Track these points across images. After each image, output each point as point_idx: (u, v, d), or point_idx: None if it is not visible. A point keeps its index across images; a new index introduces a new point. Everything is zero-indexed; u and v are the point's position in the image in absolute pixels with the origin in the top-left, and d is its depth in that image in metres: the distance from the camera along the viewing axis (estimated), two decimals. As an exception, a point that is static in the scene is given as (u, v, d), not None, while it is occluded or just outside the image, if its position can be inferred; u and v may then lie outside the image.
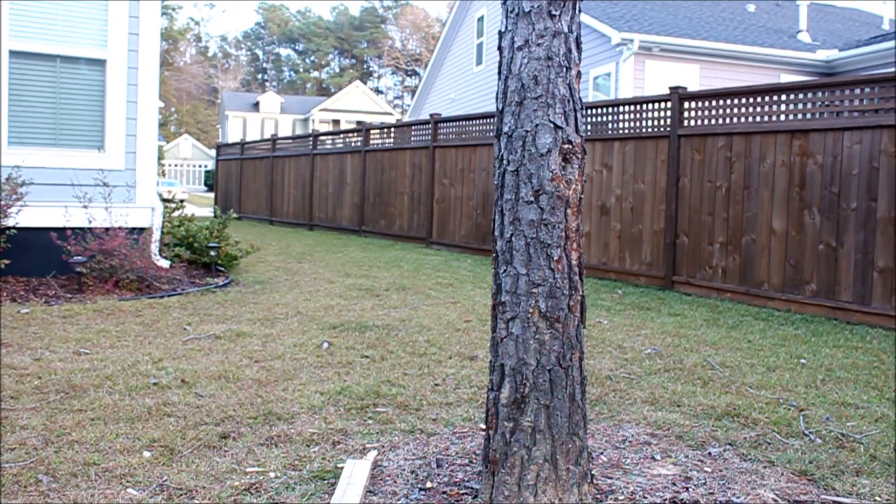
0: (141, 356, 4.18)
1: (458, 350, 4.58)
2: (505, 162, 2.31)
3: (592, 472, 2.52)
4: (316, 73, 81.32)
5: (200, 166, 54.02)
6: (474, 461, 2.72)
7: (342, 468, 2.61)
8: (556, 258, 2.25)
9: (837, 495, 2.54)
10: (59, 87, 6.95)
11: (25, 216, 6.25)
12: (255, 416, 3.22)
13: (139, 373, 3.84)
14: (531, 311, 2.25)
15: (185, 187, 40.93)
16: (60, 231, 6.47)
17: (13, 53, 6.70)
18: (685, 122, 7.27)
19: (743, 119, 6.76)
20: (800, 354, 4.65)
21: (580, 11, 2.34)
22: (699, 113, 7.13)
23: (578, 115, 2.29)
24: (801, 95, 6.37)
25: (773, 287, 6.38)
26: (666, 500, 2.45)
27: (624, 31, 13.36)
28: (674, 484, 2.59)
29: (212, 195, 30.77)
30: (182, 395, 3.49)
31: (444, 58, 22.39)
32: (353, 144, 14.17)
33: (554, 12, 2.25)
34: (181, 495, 2.43)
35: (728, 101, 6.88)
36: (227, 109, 56.32)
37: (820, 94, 6.23)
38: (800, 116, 6.33)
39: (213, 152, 46.63)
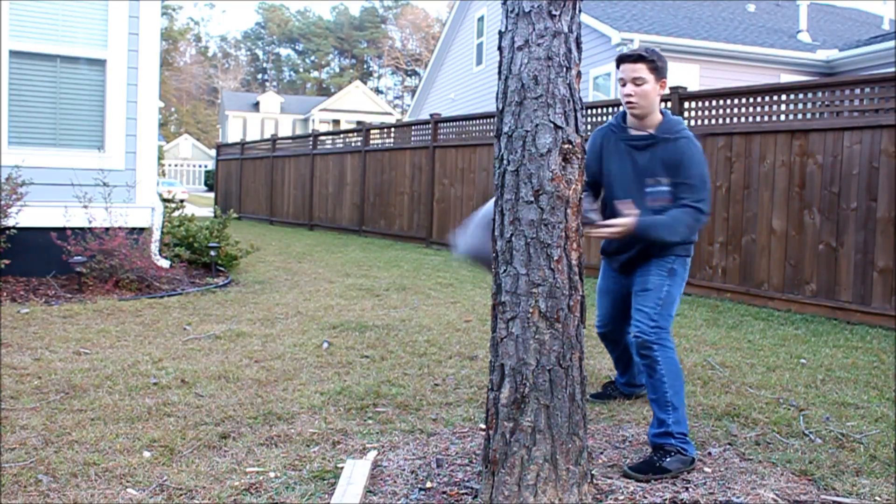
0: (141, 356, 4.19)
1: (458, 350, 4.59)
2: (505, 162, 2.31)
3: (592, 472, 2.52)
4: (316, 73, 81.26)
5: (200, 166, 53.97)
6: (474, 461, 2.72)
7: (342, 468, 2.61)
8: (556, 258, 2.25)
9: (837, 495, 2.54)
10: (59, 87, 6.95)
11: (25, 216, 6.25)
12: (255, 416, 3.22)
13: (139, 373, 3.84)
14: (531, 311, 2.25)
15: (185, 187, 40.88)
16: (60, 231, 6.47)
17: (13, 53, 6.70)
18: (685, 122, 7.27)
19: (743, 119, 6.75)
20: (800, 354, 4.65)
21: (580, 11, 2.34)
22: (699, 113, 7.13)
23: (578, 115, 2.29)
24: (800, 95, 6.37)
25: (773, 287, 6.38)
26: (666, 500, 2.45)
27: (624, 31, 13.35)
28: (674, 484, 2.59)
29: (212, 195, 30.76)
30: (182, 395, 3.49)
31: (444, 58, 22.39)
32: (353, 144, 14.17)
33: (554, 12, 2.25)
34: (181, 495, 2.43)
35: (728, 101, 6.87)
36: (227, 109, 56.28)
37: (820, 94, 6.23)
38: (800, 116, 6.33)
39: (213, 152, 46.61)
